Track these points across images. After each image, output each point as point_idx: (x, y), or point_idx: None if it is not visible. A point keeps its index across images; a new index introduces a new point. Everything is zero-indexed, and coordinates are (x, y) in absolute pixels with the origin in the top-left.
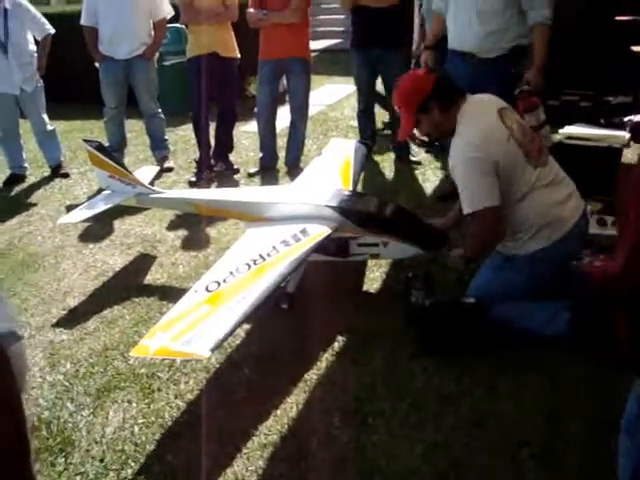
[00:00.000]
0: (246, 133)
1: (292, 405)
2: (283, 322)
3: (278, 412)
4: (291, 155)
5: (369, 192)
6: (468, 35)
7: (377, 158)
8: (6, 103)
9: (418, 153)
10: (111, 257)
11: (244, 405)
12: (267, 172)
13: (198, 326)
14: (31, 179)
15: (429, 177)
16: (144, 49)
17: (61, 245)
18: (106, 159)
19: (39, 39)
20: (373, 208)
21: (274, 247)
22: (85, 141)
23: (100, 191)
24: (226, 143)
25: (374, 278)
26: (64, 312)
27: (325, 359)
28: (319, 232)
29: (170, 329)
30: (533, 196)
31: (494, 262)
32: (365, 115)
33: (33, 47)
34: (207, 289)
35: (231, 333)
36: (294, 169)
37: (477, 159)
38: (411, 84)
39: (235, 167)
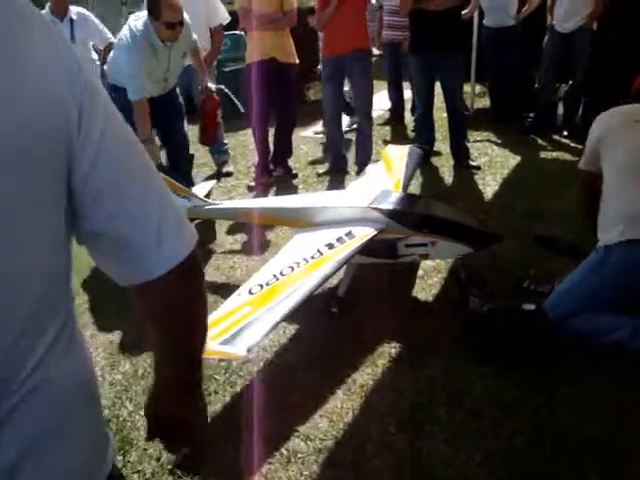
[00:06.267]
0: (305, 138)
1: (348, 410)
2: (338, 326)
3: (334, 417)
4: (360, 155)
5: (427, 197)
6: None
7: (436, 163)
8: None
9: (477, 158)
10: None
11: (299, 409)
12: (336, 173)
13: (237, 326)
14: None
15: (489, 182)
16: (204, 55)
17: None
18: (162, 175)
19: (101, 48)
20: (419, 208)
21: (319, 250)
22: None
23: None
24: (285, 148)
25: (432, 284)
26: (124, 313)
27: (381, 364)
28: (364, 234)
29: (211, 329)
30: None
31: (585, 265)
32: (424, 119)
33: (95, 55)
34: (250, 292)
35: (268, 333)
36: (364, 169)
37: None
38: None
39: (294, 172)
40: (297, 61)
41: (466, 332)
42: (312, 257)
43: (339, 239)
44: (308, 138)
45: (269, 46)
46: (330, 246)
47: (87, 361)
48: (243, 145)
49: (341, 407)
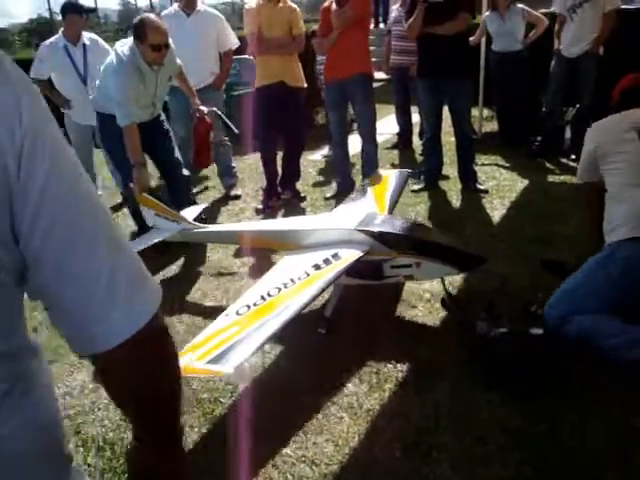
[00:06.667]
0: (313, 162)
1: (354, 435)
2: (345, 349)
3: (339, 441)
4: (365, 178)
5: (435, 221)
6: None
7: (444, 186)
8: (84, 133)
9: (485, 182)
10: (177, 282)
11: (305, 434)
12: (343, 196)
13: (224, 346)
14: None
15: (496, 205)
16: (213, 79)
17: None
18: (152, 199)
19: None
20: (404, 230)
21: (305, 271)
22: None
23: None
24: (293, 171)
25: (439, 307)
26: None
27: (388, 388)
28: (350, 255)
29: (198, 349)
30: None
31: (591, 262)
32: (431, 143)
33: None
34: (237, 313)
35: (255, 352)
36: None
37: None
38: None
39: (302, 195)
40: (305, 85)
41: (473, 357)
42: (299, 278)
43: (326, 260)
44: (316, 161)
45: (277, 70)
46: (317, 267)
47: (49, 408)
48: (251, 168)
49: (347, 431)
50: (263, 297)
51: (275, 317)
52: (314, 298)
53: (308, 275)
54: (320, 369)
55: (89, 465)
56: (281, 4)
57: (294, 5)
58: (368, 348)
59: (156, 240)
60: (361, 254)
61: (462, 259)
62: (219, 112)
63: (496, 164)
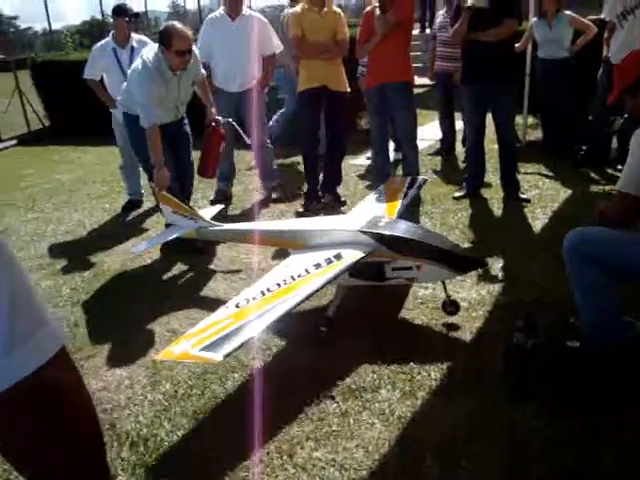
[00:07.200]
0: (355, 166)
1: (384, 441)
2: (378, 356)
3: (370, 447)
4: None
5: (476, 228)
6: None
7: (486, 195)
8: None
9: (528, 191)
10: (214, 283)
11: (336, 437)
12: None
13: (218, 335)
14: (147, 204)
15: (538, 215)
16: (255, 83)
17: (167, 269)
18: (171, 197)
19: None
20: (406, 233)
21: (306, 269)
22: (150, 180)
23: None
24: (334, 175)
25: (476, 317)
26: (167, 333)
27: (421, 396)
28: (352, 256)
29: (194, 337)
30: None
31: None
32: (474, 150)
33: None
34: (237, 305)
35: (244, 344)
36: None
37: None
38: (633, 60)
39: (342, 199)
40: (348, 89)
41: (509, 367)
42: (299, 276)
43: (327, 260)
44: (358, 166)
45: (321, 74)
46: (318, 266)
47: None
48: (293, 171)
49: (378, 438)
50: (263, 292)
51: (270, 311)
52: (311, 295)
53: (308, 273)
54: (353, 374)
55: (122, 459)
56: (326, 9)
57: (339, 10)
58: (403, 355)
59: (173, 236)
60: (363, 255)
61: (462, 262)
62: (234, 123)
63: (539, 173)
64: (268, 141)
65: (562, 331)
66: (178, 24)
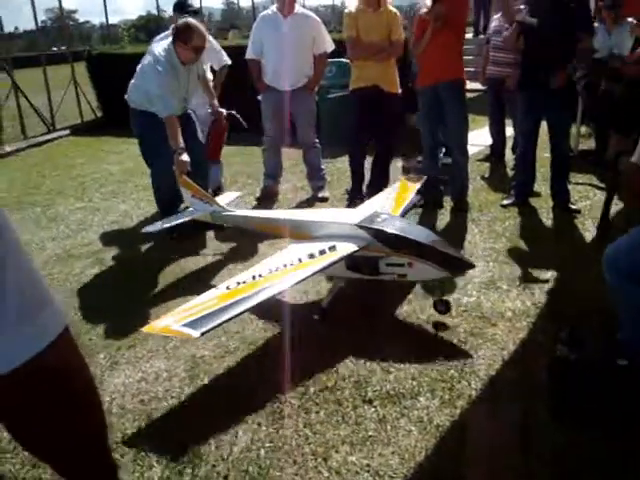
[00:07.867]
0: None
1: (421, 449)
2: (419, 362)
3: (406, 455)
4: (455, 190)
5: (524, 237)
6: None
7: (534, 204)
8: None
9: (578, 201)
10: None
11: (372, 443)
12: (431, 206)
13: (200, 314)
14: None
15: (588, 227)
16: (306, 81)
17: (219, 262)
18: (190, 182)
19: (217, 69)
20: (400, 230)
21: (299, 259)
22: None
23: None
24: (381, 177)
25: (520, 327)
26: None
27: (460, 405)
28: (346, 249)
29: (179, 314)
30: None
31: None
32: (524, 158)
33: (210, 75)
34: (227, 287)
35: (222, 324)
36: (460, 204)
37: None
38: None
39: None
40: (400, 90)
41: (551, 380)
42: (291, 264)
43: (321, 251)
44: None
45: (373, 74)
46: (311, 256)
47: None
48: (341, 172)
49: (414, 445)
50: (254, 277)
51: (255, 295)
52: (298, 282)
53: (301, 262)
54: (392, 379)
55: (154, 452)
56: (381, 9)
57: (395, 10)
58: (443, 363)
59: (188, 218)
60: (356, 249)
61: (453, 263)
62: (237, 115)
63: (590, 184)
64: (317, 140)
65: (607, 346)
66: (196, 22)
